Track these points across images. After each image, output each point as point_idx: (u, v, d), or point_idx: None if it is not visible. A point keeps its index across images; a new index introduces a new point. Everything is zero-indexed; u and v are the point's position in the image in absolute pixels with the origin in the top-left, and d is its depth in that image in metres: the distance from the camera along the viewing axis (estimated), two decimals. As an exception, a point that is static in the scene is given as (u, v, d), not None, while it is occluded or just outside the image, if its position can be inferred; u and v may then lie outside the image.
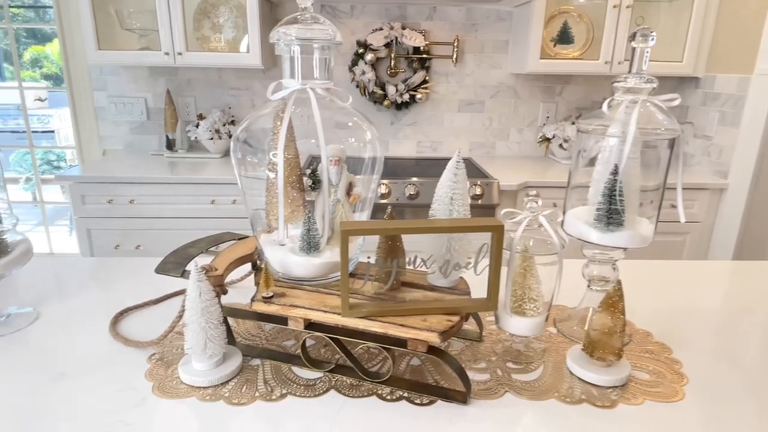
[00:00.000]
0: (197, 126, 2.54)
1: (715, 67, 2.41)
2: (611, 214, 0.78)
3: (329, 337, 0.73)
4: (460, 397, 0.70)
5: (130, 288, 1.01)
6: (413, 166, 2.56)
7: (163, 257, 0.83)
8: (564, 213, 0.86)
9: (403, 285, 0.78)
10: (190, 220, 2.23)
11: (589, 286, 0.88)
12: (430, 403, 0.70)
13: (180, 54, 2.29)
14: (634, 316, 0.92)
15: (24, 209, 4.18)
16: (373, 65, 2.60)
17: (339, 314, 0.70)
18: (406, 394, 0.71)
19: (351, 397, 0.71)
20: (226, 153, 2.61)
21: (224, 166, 2.39)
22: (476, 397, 0.71)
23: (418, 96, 2.65)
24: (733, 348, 0.86)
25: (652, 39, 0.76)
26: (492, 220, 0.69)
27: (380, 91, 2.62)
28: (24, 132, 2.94)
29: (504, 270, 0.71)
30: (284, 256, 0.77)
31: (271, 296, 0.73)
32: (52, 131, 4.80)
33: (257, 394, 0.70)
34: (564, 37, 2.50)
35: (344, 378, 0.74)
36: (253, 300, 0.74)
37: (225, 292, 0.77)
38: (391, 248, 0.75)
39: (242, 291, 0.96)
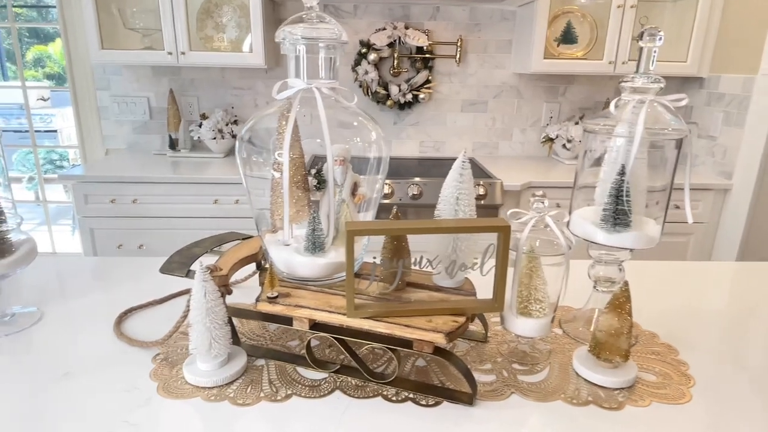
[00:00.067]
0: (200, 126, 2.54)
1: (719, 67, 2.40)
2: (618, 215, 0.77)
3: (334, 338, 0.72)
4: (466, 398, 0.69)
5: (134, 288, 1.01)
6: (416, 166, 2.55)
7: (166, 257, 0.82)
8: (570, 213, 0.85)
9: (408, 285, 0.78)
10: (192, 220, 2.23)
11: (595, 287, 0.87)
12: (436, 404, 0.69)
13: (183, 53, 2.29)
14: (639, 317, 0.91)
15: (27, 208, 4.18)
16: (376, 65, 2.60)
17: (344, 315, 0.70)
18: (411, 395, 0.70)
19: (356, 398, 0.70)
20: (229, 153, 2.61)
21: (227, 166, 2.39)
22: (482, 398, 0.70)
23: (421, 96, 2.64)
24: (739, 349, 0.86)
25: (660, 39, 0.75)
26: (498, 221, 0.68)
27: (383, 91, 2.62)
28: (27, 131, 2.94)
29: (510, 271, 0.71)
30: (289, 256, 0.77)
31: (276, 296, 0.73)
32: (55, 131, 4.81)
33: (262, 394, 0.70)
34: (568, 37, 2.49)
35: (349, 379, 0.74)
36: (257, 300, 0.74)
37: (230, 292, 0.77)
38: (397, 248, 0.75)
39: (246, 291, 0.96)
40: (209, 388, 0.71)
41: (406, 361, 0.78)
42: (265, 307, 0.73)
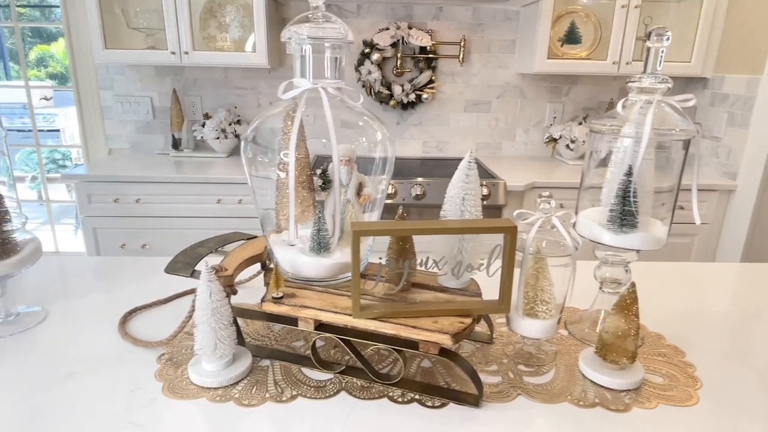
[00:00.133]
0: (203, 125, 2.54)
1: (723, 67, 2.40)
2: (625, 216, 0.77)
3: (339, 339, 0.72)
4: (472, 399, 0.69)
5: (138, 287, 1.01)
6: (419, 167, 2.55)
7: (169, 256, 0.82)
8: (576, 214, 0.85)
9: (414, 286, 0.78)
10: (195, 220, 2.23)
11: (601, 288, 0.87)
12: (442, 405, 0.69)
13: (186, 53, 2.29)
14: (645, 319, 0.91)
15: (29, 208, 4.19)
16: (380, 65, 2.60)
17: (350, 315, 0.69)
18: (417, 397, 0.70)
19: (362, 399, 0.70)
20: (232, 152, 2.61)
21: (230, 166, 2.39)
22: (488, 399, 0.70)
23: (424, 96, 2.64)
24: (745, 351, 0.85)
25: (667, 39, 0.75)
26: (505, 221, 0.68)
27: (386, 91, 2.62)
28: (30, 131, 2.95)
29: (516, 271, 0.71)
30: (294, 256, 0.76)
31: (281, 297, 0.73)
32: (58, 130, 4.82)
33: (267, 395, 0.70)
34: (571, 37, 2.49)
35: (355, 380, 0.73)
36: (263, 300, 0.74)
37: (235, 293, 0.76)
38: (402, 249, 0.74)
39: (250, 291, 0.95)
40: (214, 388, 0.71)
41: (411, 362, 0.78)
42: (271, 308, 0.73)
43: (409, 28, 2.55)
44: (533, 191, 2.22)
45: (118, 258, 1.19)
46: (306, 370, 0.76)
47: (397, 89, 2.61)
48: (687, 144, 0.78)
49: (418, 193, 2.14)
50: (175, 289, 0.97)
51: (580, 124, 2.59)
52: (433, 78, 2.64)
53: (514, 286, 0.71)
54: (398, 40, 2.56)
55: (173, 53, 2.29)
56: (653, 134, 0.74)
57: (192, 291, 0.97)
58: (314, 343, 0.75)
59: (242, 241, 0.88)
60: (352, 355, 0.73)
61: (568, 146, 2.57)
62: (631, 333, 0.71)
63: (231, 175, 2.21)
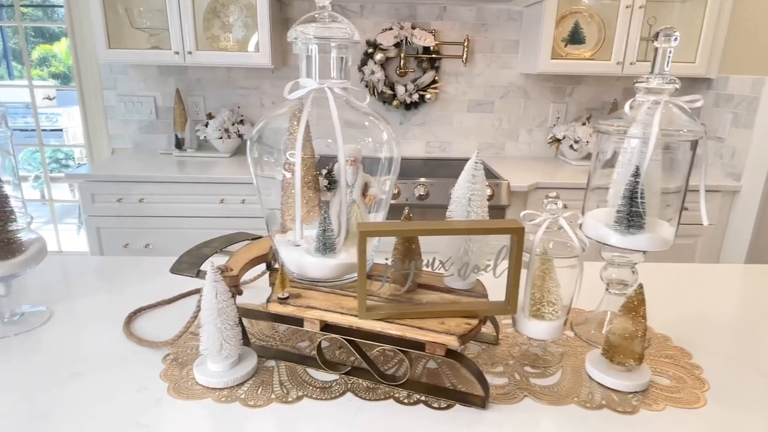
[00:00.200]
0: (206, 125, 2.54)
1: (728, 68, 2.39)
2: (632, 217, 0.76)
3: (345, 339, 0.72)
4: (479, 401, 0.69)
5: (142, 287, 1.01)
6: (422, 167, 2.54)
7: (173, 256, 0.82)
8: (582, 215, 0.85)
9: (419, 287, 0.78)
10: (199, 219, 2.23)
11: (607, 289, 0.87)
12: (448, 407, 0.69)
13: (190, 53, 2.29)
14: (652, 320, 0.90)
15: (32, 207, 4.20)
16: (383, 65, 2.60)
17: (356, 316, 0.69)
18: (423, 398, 0.70)
19: (368, 400, 0.70)
20: (235, 152, 2.61)
21: (233, 166, 2.39)
22: (495, 401, 0.70)
23: (428, 96, 2.64)
24: (752, 352, 0.85)
25: (675, 39, 0.74)
26: (512, 222, 0.68)
27: (389, 91, 2.61)
28: (33, 130, 2.95)
29: (522, 273, 0.70)
30: (299, 256, 0.76)
31: (287, 297, 0.73)
32: (60, 130, 4.82)
33: (273, 396, 0.70)
34: (575, 37, 2.48)
35: (360, 380, 0.73)
36: (268, 301, 0.73)
37: (240, 293, 0.76)
38: (408, 250, 0.74)
39: (255, 291, 0.95)
40: (220, 389, 0.70)
41: (417, 363, 0.78)
42: (276, 308, 0.72)
43: (413, 28, 2.55)
44: (537, 192, 2.22)
45: (122, 258, 1.19)
46: (311, 371, 0.75)
47: (400, 89, 2.61)
48: (694, 145, 0.77)
49: (422, 193, 2.13)
50: (180, 289, 0.97)
51: (584, 124, 2.58)
52: (436, 78, 2.64)
53: (521, 287, 0.70)
54: (401, 40, 2.56)
55: (177, 53, 2.29)
56: (661, 135, 0.73)
57: (196, 291, 0.97)
58: (320, 343, 0.75)
59: (247, 242, 0.88)
60: (358, 356, 0.73)
61: (571, 147, 2.56)
62: (638, 334, 0.71)
63: (234, 175, 2.21)
